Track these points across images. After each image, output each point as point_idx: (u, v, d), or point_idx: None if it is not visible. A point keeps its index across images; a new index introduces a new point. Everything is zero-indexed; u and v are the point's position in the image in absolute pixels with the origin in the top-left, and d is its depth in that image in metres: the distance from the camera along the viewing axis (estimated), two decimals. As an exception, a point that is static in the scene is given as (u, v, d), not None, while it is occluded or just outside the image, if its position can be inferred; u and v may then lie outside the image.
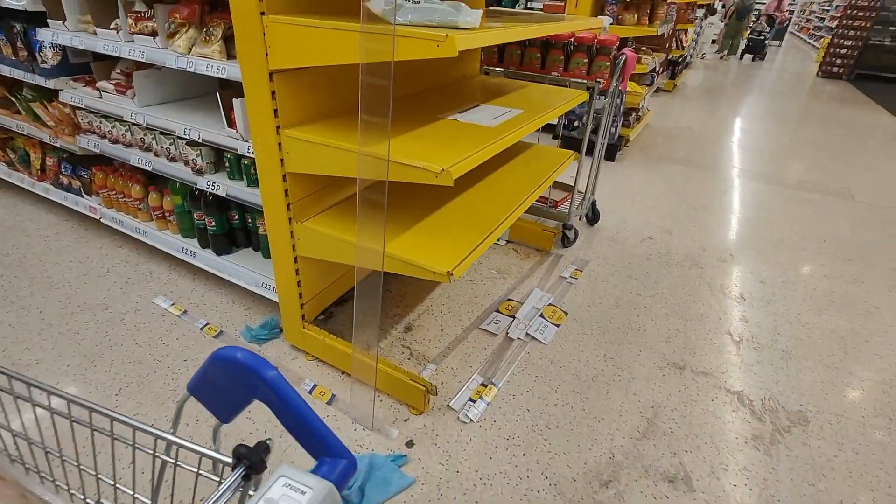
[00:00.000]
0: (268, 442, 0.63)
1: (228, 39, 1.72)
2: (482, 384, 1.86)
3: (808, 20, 18.22)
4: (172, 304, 2.20)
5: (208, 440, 1.47)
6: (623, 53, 2.49)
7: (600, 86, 2.39)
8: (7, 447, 0.92)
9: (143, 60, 1.84)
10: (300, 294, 1.81)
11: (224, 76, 1.65)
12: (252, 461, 0.61)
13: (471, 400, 1.79)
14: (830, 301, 2.51)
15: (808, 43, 16.99)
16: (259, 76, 1.41)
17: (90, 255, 2.55)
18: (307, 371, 1.89)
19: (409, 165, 1.27)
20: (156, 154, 2.18)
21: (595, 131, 2.64)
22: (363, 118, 1.26)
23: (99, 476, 0.84)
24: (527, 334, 2.14)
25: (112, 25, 1.98)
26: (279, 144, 1.50)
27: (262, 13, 1.32)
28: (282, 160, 1.53)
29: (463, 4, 1.23)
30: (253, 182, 1.91)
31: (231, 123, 1.77)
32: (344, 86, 1.68)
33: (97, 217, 2.64)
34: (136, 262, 2.52)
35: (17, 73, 2.40)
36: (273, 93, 1.42)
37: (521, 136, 1.63)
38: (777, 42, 16.17)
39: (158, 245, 2.40)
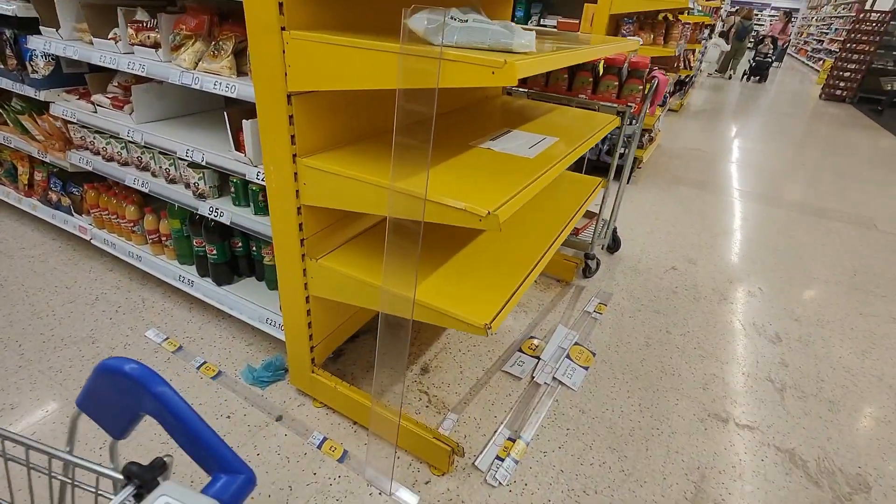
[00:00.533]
0: (165, 459, 0.60)
1: (239, 54, 1.56)
2: (509, 438, 1.68)
3: (805, 42, 18.42)
4: (166, 339, 2.01)
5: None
6: (655, 76, 2.35)
7: (631, 110, 2.24)
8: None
9: (144, 75, 1.68)
10: (310, 336, 1.63)
11: (233, 95, 1.48)
12: (144, 479, 0.58)
13: (498, 458, 1.60)
14: (871, 343, 2.36)
15: (807, 65, 17.16)
16: (275, 98, 1.24)
17: (78, 280, 2.35)
18: (315, 421, 1.70)
19: (450, 206, 1.10)
20: (154, 174, 2.00)
21: (622, 156, 2.49)
22: (397, 150, 1.10)
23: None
24: (554, 378, 1.97)
25: (110, 35, 1.82)
26: (295, 174, 1.33)
27: (283, 28, 1.15)
28: (297, 191, 1.36)
29: (514, 24, 1.08)
30: (261, 210, 1.74)
31: (239, 146, 1.60)
32: (367, 107, 1.52)
33: (87, 238, 2.45)
34: (128, 288, 2.33)
35: (4, 83, 2.22)
36: (290, 117, 1.26)
37: (562, 169, 1.47)
38: (776, 63, 16.30)
39: (153, 271, 2.21)
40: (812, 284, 2.85)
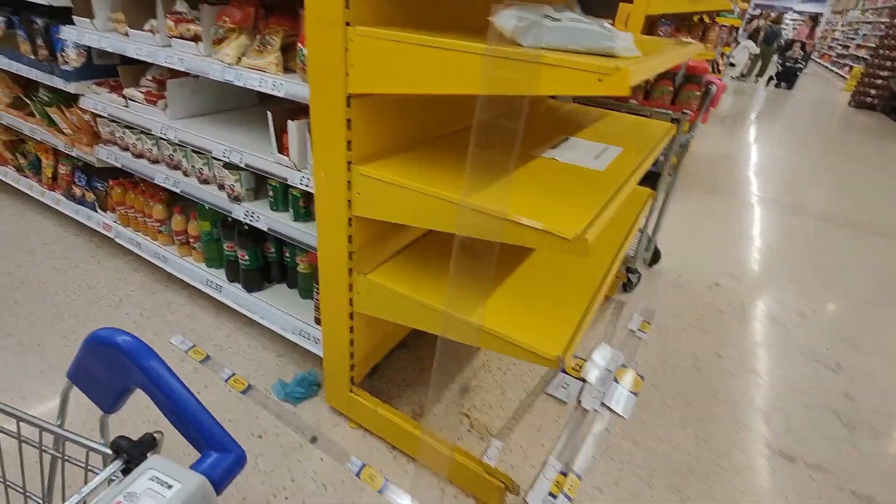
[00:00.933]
0: (154, 435, 0.59)
1: (286, 49, 1.45)
2: (561, 472, 1.56)
3: (829, 47, 18.03)
4: (192, 347, 1.91)
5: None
6: (712, 82, 2.21)
7: (688, 118, 2.11)
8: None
9: (182, 69, 1.57)
10: (351, 354, 1.52)
11: (280, 93, 1.37)
12: (132, 455, 0.57)
13: (550, 495, 1.48)
14: (938, 375, 2.21)
15: (831, 70, 16.78)
16: (333, 100, 1.13)
17: (101, 279, 2.26)
18: (352, 444, 1.59)
19: (530, 227, 0.98)
20: (185, 174, 1.90)
21: (673, 167, 2.36)
22: (473, 163, 0.98)
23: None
24: (602, 404, 1.84)
25: (147, 27, 1.72)
26: (348, 183, 1.22)
27: (348, 23, 1.04)
28: (349, 201, 1.24)
29: (611, 25, 0.95)
30: (301, 216, 1.63)
31: (282, 148, 1.49)
32: (422, 110, 1.40)
33: (111, 236, 2.36)
34: (153, 289, 2.24)
35: (34, 74, 2.13)
36: (348, 121, 1.14)
37: (636, 183, 1.35)
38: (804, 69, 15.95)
39: (179, 274, 2.12)
40: (868, 308, 2.69)
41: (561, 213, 1.04)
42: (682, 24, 4.20)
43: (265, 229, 1.67)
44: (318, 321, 1.78)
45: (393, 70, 1.03)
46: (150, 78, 1.88)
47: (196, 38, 1.58)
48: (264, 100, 2.22)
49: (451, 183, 1.14)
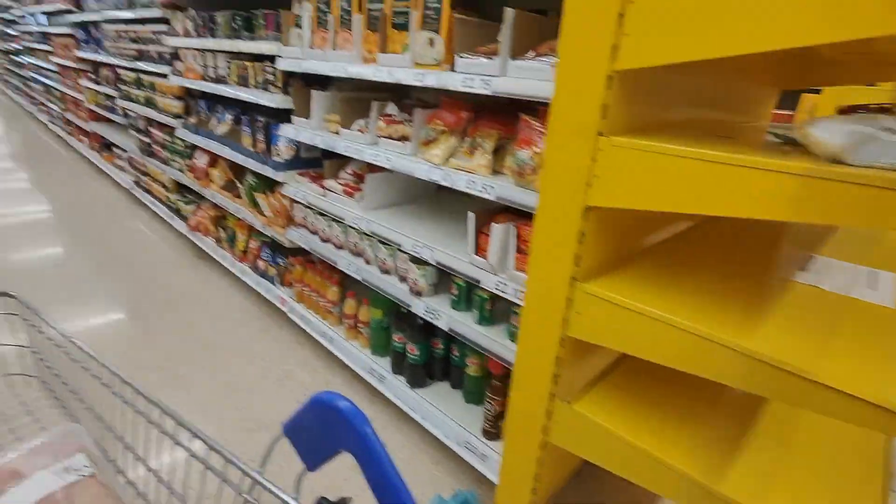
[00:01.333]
0: (349, 499, 0.62)
1: (496, 151, 1.42)
2: None
3: None
4: (352, 440, 1.84)
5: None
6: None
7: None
8: (135, 482, 0.89)
9: (388, 167, 1.64)
10: (534, 490, 1.31)
11: (490, 196, 1.33)
12: None
13: None
14: None
15: None
16: (566, 211, 1.03)
17: (271, 352, 2.37)
18: None
19: (860, 400, 0.73)
20: (367, 261, 1.95)
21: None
22: (762, 297, 0.78)
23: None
24: None
25: (355, 127, 1.86)
26: (568, 300, 1.08)
27: (600, 133, 0.95)
28: (565, 320, 1.10)
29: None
30: (486, 320, 1.53)
31: (479, 249, 1.43)
32: (659, 219, 1.25)
33: (285, 310, 2.50)
34: (314, 367, 2.27)
35: (250, 163, 2.44)
36: (581, 234, 1.02)
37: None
38: None
39: (343, 356, 2.13)
40: None
41: (875, 373, 0.77)
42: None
43: (445, 329, 1.59)
44: (486, 434, 1.61)
45: (654, 185, 0.90)
46: (349, 172, 2.01)
47: (403, 138, 1.65)
48: (441, 190, 2.26)
49: (702, 309, 0.94)
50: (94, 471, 0.80)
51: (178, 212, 3.55)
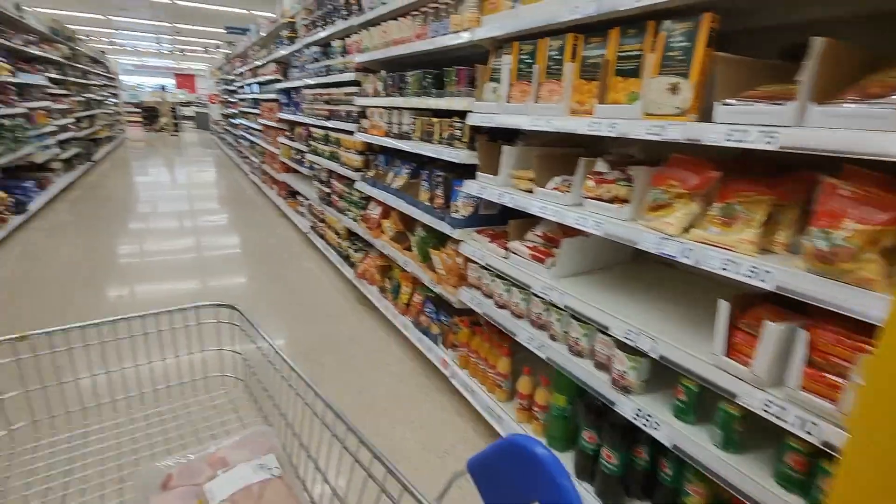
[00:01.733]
0: None
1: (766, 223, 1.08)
2: None
3: None
4: (525, 554, 1.54)
5: None
6: None
7: None
8: (311, 492, 0.89)
9: (598, 233, 1.38)
10: None
11: (766, 286, 0.98)
12: None
13: None
14: None
15: None
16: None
17: (431, 418, 2.20)
18: None
19: None
20: (553, 337, 1.68)
21: None
22: None
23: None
24: None
25: (551, 185, 1.65)
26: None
27: None
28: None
29: None
30: (733, 445, 1.14)
31: (731, 350, 1.07)
32: None
33: (447, 373, 2.34)
34: (477, 445, 2.03)
35: (425, 217, 2.38)
36: None
37: None
38: None
39: (512, 441, 1.85)
40: None
41: None
42: None
43: (667, 445, 1.23)
44: None
45: None
46: (538, 234, 1.80)
47: (615, 200, 1.39)
48: (639, 257, 1.93)
49: None
50: (282, 472, 0.85)
51: (347, 258, 3.71)
